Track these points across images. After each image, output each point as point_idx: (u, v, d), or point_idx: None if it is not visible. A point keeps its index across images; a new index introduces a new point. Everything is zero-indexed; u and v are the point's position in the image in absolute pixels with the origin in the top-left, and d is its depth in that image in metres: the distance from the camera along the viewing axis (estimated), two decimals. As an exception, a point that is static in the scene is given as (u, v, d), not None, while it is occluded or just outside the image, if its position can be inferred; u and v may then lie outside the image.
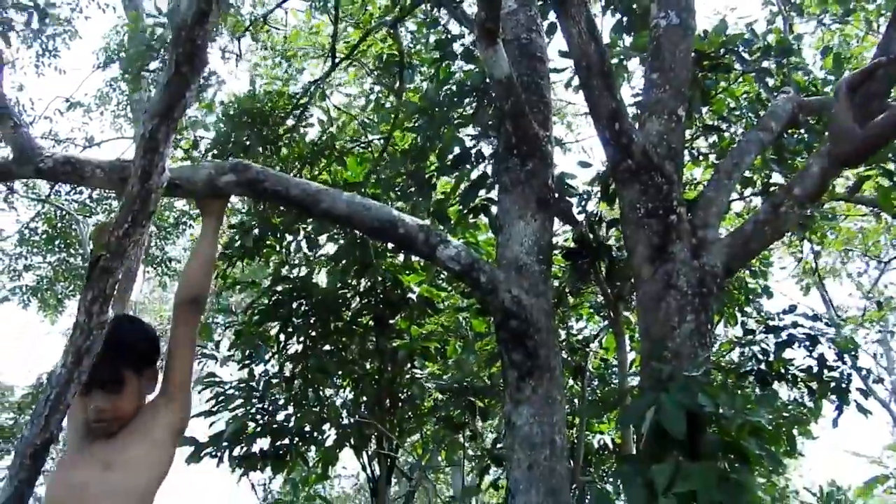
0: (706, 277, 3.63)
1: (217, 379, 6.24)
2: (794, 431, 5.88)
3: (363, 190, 5.96)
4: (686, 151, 5.31)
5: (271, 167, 3.58)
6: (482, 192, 5.27)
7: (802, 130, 5.39)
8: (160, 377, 2.47)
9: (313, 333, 6.41)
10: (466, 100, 5.49)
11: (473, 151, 5.30)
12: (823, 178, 3.85)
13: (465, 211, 5.45)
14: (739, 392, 4.54)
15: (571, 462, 5.05)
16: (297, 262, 6.81)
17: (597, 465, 6.99)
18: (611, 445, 6.85)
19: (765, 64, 5.46)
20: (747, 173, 5.52)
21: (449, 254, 3.68)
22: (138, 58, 8.07)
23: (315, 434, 6.25)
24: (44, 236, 13.66)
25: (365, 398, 6.55)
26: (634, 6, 5.91)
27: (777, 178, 5.86)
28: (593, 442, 6.80)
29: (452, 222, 5.90)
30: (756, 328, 6.00)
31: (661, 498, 2.89)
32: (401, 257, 6.51)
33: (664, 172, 3.76)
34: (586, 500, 5.78)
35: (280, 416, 6.17)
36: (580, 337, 6.87)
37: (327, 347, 6.48)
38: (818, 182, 3.83)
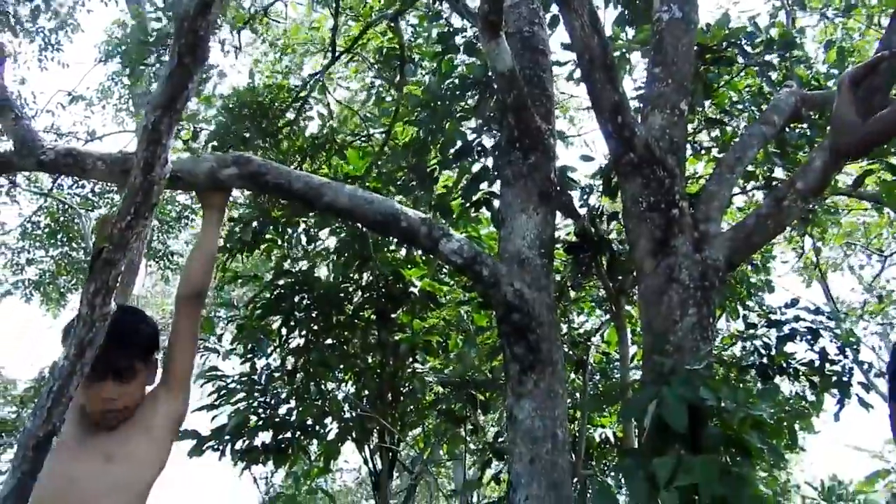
0: (708, 271, 3.62)
1: (219, 373, 6.24)
2: (796, 425, 5.89)
3: (364, 184, 5.96)
4: (688, 145, 5.31)
5: (271, 160, 3.57)
6: (484, 186, 5.26)
7: (805, 124, 5.38)
8: (159, 369, 2.48)
9: (315, 327, 6.42)
10: (468, 93, 5.48)
11: (475, 145, 5.29)
12: (826, 172, 3.84)
13: (467, 205, 5.45)
14: (741, 386, 4.54)
15: (573, 456, 5.06)
16: (297, 255, 6.81)
17: (598, 459, 7.00)
18: (612, 439, 6.86)
19: (767, 57, 5.46)
20: (749, 167, 5.51)
21: (451, 247, 3.68)
22: (136, 52, 8.06)
23: (317, 428, 6.25)
24: (46, 230, 13.67)
25: (367, 392, 6.55)
26: (637, -1, 5.90)
27: (779, 172, 5.86)
28: (595, 436, 6.81)
29: (454, 216, 5.90)
30: (758, 322, 6.00)
31: (663, 491, 2.89)
32: (403, 251, 6.51)
33: (666, 166, 3.76)
34: (588, 494, 5.79)
35: (282, 410, 6.18)
36: (582, 331, 6.87)
37: (329, 341, 6.49)
38: (821, 176, 3.82)
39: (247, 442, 6.02)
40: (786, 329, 5.63)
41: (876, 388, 9.04)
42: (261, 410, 6.11)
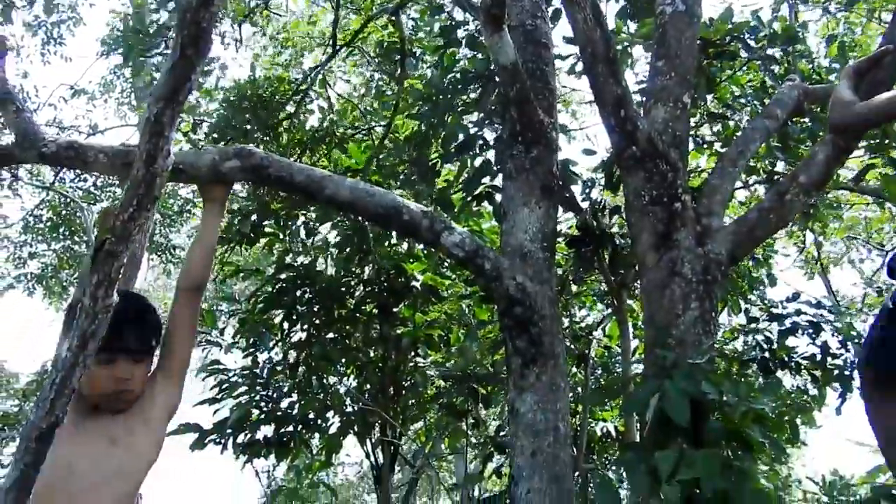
0: (711, 265, 3.62)
1: (221, 366, 6.25)
2: (798, 420, 5.89)
3: (365, 177, 5.96)
4: (690, 139, 5.30)
5: (271, 153, 3.58)
6: (486, 180, 5.26)
7: (807, 119, 5.38)
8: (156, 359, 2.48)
9: (317, 321, 6.42)
10: (470, 87, 5.48)
11: (477, 138, 5.29)
12: (828, 165, 3.84)
13: (469, 199, 5.44)
14: (743, 380, 4.54)
15: (574, 449, 5.06)
16: (297, 248, 6.81)
17: (600, 453, 7.01)
18: (614, 433, 6.87)
19: (770, 52, 5.45)
20: (751, 161, 5.51)
21: (453, 240, 3.68)
22: (135, 42, 8.06)
23: (319, 421, 6.26)
24: (48, 224, 13.66)
25: (368, 386, 6.56)
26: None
27: (781, 166, 5.85)
28: (596, 429, 6.82)
29: (456, 210, 5.90)
30: (759, 316, 6.00)
31: (665, 485, 2.90)
32: (404, 245, 6.52)
33: (669, 160, 3.75)
34: (589, 488, 5.80)
35: (284, 404, 6.19)
36: (583, 325, 6.87)
37: (331, 335, 6.49)
38: (823, 170, 3.82)
39: (249, 435, 6.03)
40: (787, 323, 5.63)
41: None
42: (263, 404, 6.12)
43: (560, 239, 5.17)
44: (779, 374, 5.61)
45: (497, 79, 4.51)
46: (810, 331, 5.58)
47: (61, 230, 13.64)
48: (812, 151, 3.95)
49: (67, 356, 1.68)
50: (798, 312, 5.67)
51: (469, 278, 6.17)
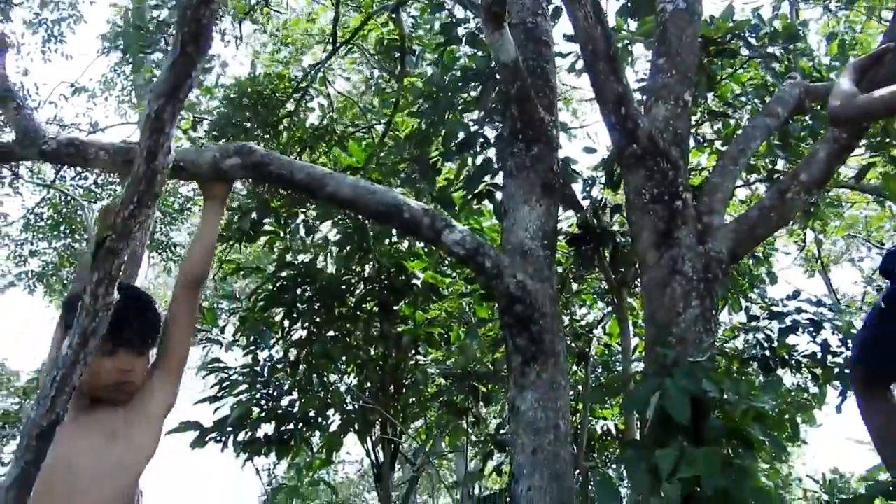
0: (711, 263, 3.62)
1: (222, 364, 6.24)
2: (798, 418, 5.89)
3: (365, 175, 5.95)
4: (691, 137, 5.30)
5: (272, 151, 3.58)
6: (486, 178, 5.25)
7: (808, 117, 5.37)
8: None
9: (318, 319, 6.41)
10: (470, 84, 5.47)
11: (478, 136, 5.28)
12: (830, 164, 3.84)
13: (469, 197, 5.44)
14: (743, 378, 4.54)
15: (575, 447, 5.06)
16: (297, 247, 6.80)
17: (600, 451, 7.01)
18: (614, 431, 6.87)
19: (770, 49, 5.44)
20: (752, 160, 5.50)
21: (454, 238, 3.67)
22: (135, 37, 8.06)
23: (319, 419, 6.25)
24: (49, 222, 13.66)
25: (369, 384, 6.55)
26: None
27: (781, 164, 5.85)
28: (597, 428, 6.82)
29: (456, 208, 5.90)
30: (760, 314, 6.00)
31: (665, 483, 2.90)
32: (405, 243, 6.51)
33: (670, 158, 3.75)
34: (590, 486, 5.80)
35: (284, 402, 6.18)
36: (583, 323, 6.87)
37: (332, 333, 6.48)
38: (824, 168, 3.82)
39: (249, 433, 6.02)
40: (788, 321, 5.63)
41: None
42: (263, 402, 6.12)
43: (560, 237, 5.17)
44: (779, 372, 5.61)
45: (498, 76, 4.51)
46: (811, 329, 5.58)
47: (62, 228, 13.64)
48: (813, 149, 3.95)
49: (68, 353, 1.68)
50: (798, 310, 5.67)
51: (469, 276, 6.17)
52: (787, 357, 5.62)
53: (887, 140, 5.54)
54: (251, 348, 6.41)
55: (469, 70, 5.41)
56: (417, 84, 6.36)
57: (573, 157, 5.44)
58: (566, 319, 6.34)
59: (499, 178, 4.97)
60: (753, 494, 2.89)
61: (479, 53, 5.49)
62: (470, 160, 5.57)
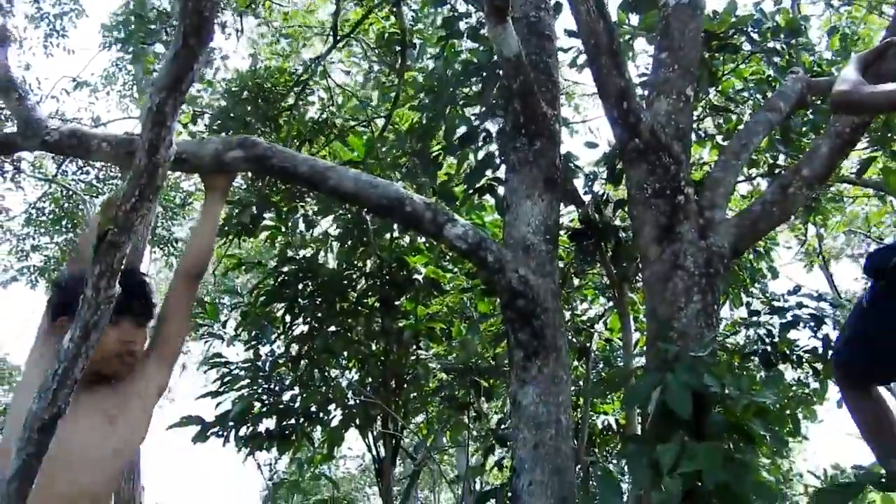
0: (713, 258, 3.62)
1: (223, 359, 6.25)
2: (799, 413, 5.89)
3: (365, 169, 5.94)
4: (693, 132, 5.29)
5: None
6: (488, 172, 5.24)
7: (810, 112, 5.36)
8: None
9: (319, 314, 6.41)
10: (472, 79, 5.46)
11: (480, 131, 5.27)
12: (831, 159, 3.84)
13: (471, 191, 5.43)
14: (744, 373, 4.54)
15: (576, 442, 5.07)
16: (298, 243, 6.80)
17: (601, 446, 7.02)
18: (615, 426, 6.87)
19: (773, 44, 5.43)
20: (753, 155, 5.50)
21: (456, 232, 3.67)
22: (136, 28, 8.05)
23: (321, 414, 6.26)
24: (51, 216, 13.67)
25: (370, 379, 6.55)
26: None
27: (783, 159, 5.85)
28: (598, 422, 6.82)
29: (458, 202, 5.89)
30: (761, 309, 6.00)
31: (666, 478, 2.90)
32: (406, 238, 6.50)
33: (672, 152, 3.75)
34: (591, 480, 5.81)
35: (286, 397, 6.18)
36: (585, 318, 6.87)
37: (333, 328, 6.48)
38: (826, 163, 3.82)
39: (251, 428, 6.03)
40: (789, 316, 5.62)
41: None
42: (265, 397, 6.12)
43: (562, 232, 5.16)
44: (780, 367, 5.61)
45: (500, 71, 4.49)
46: (812, 324, 5.57)
47: (64, 223, 13.65)
48: (815, 144, 3.95)
49: (69, 346, 1.68)
50: (800, 305, 5.66)
51: (471, 271, 6.17)
52: (788, 352, 5.61)
53: (889, 135, 5.53)
54: (253, 343, 6.41)
55: (471, 64, 5.40)
56: (418, 78, 6.34)
57: (575, 153, 5.42)
58: (567, 314, 6.34)
59: (501, 173, 4.96)
60: (754, 489, 2.89)
61: (481, 48, 5.47)
62: (472, 155, 5.56)
